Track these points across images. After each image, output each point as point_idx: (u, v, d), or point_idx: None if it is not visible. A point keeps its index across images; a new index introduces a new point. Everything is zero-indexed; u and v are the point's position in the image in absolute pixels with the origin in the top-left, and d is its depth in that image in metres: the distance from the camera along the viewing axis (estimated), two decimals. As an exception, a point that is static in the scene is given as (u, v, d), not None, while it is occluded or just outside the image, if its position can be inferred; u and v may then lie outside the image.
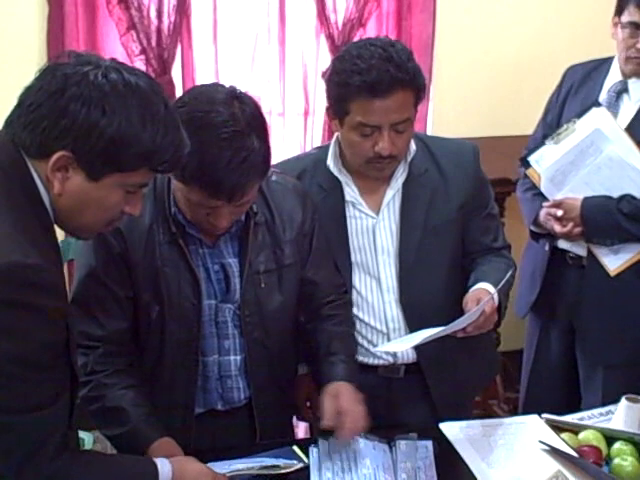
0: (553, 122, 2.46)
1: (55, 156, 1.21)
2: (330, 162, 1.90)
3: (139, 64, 3.03)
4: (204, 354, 1.72)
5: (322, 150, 1.96)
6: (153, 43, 3.03)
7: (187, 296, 1.66)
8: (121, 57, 3.01)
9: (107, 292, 1.65)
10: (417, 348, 1.84)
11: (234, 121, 1.52)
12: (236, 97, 1.56)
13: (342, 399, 1.67)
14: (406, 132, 1.78)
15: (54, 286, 1.22)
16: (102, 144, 1.21)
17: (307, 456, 1.70)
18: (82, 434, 1.56)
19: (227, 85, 1.61)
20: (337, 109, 1.79)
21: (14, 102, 1.26)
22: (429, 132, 3.16)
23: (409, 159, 1.88)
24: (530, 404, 2.55)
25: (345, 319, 1.87)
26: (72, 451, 1.31)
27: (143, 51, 3.04)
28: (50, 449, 1.25)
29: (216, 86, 1.62)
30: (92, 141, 1.20)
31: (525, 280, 2.55)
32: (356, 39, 3.16)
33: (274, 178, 1.77)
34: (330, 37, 3.20)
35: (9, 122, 1.25)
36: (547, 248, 2.44)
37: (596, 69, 2.44)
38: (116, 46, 3.03)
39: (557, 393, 2.51)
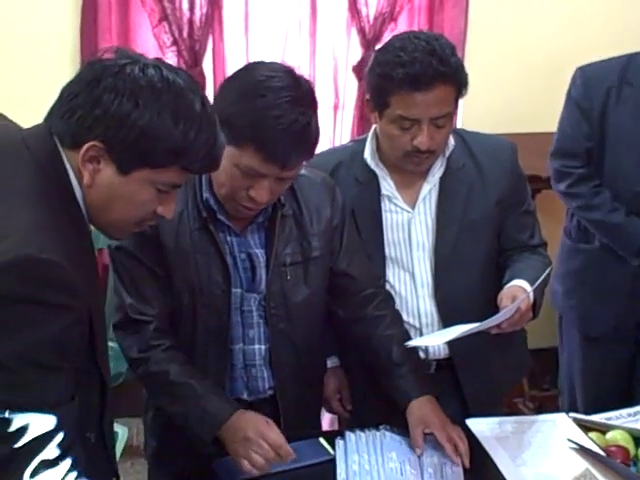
0: (594, 131, 2.35)
1: (86, 146, 1.20)
2: (367, 155, 1.89)
3: (170, 56, 3.05)
4: (231, 342, 1.73)
5: (359, 143, 1.95)
6: (185, 35, 3.04)
7: (217, 283, 1.67)
8: (153, 49, 3.04)
9: (146, 270, 1.67)
10: (450, 344, 1.83)
11: (296, 89, 1.54)
12: (294, 72, 1.59)
13: (433, 428, 1.69)
14: (445, 127, 1.77)
15: (68, 284, 1.17)
16: (132, 136, 1.20)
17: (333, 448, 1.71)
18: (116, 427, 1.55)
19: None
20: (377, 101, 1.78)
21: (47, 94, 1.27)
22: (459, 127, 3.14)
23: (447, 154, 1.87)
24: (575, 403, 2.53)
25: (394, 318, 1.86)
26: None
27: (175, 43, 3.05)
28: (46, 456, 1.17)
29: (274, 62, 1.65)
30: (123, 132, 1.19)
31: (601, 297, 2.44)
32: (387, 33, 3.16)
33: (302, 172, 1.76)
34: (361, 31, 3.19)
35: (49, 114, 1.26)
36: None
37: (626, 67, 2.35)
38: (148, 38, 3.05)
39: (609, 394, 2.44)
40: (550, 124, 3.41)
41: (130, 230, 1.34)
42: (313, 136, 1.57)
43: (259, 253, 1.70)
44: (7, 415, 1.14)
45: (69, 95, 1.23)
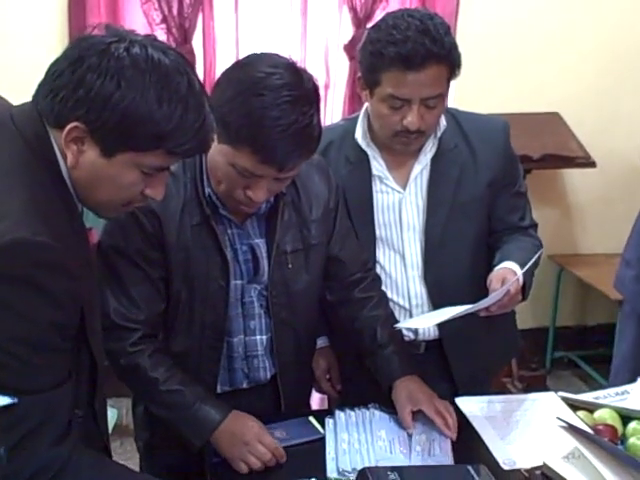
0: None
1: (69, 127, 1.17)
2: (358, 135, 1.87)
3: (160, 33, 3.02)
4: (230, 335, 1.70)
5: (350, 122, 1.92)
6: (174, 12, 3.02)
7: (215, 278, 1.64)
8: (142, 26, 3.01)
9: (141, 273, 1.61)
10: (439, 325, 1.83)
11: (297, 87, 1.48)
12: (297, 67, 1.53)
13: (421, 404, 1.70)
14: (437, 108, 1.75)
15: (62, 266, 1.17)
16: (115, 118, 1.17)
17: (323, 427, 1.71)
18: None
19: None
20: (368, 79, 1.76)
21: (35, 71, 1.25)
22: (452, 107, 3.13)
23: (439, 134, 1.85)
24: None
25: (380, 299, 1.86)
26: (75, 442, 1.25)
27: (164, 20, 3.03)
28: (49, 435, 1.20)
29: (275, 55, 1.57)
30: (105, 114, 1.16)
31: None
32: (379, 12, 3.13)
33: None
34: (353, 9, 3.17)
35: (36, 92, 1.23)
36: None
37: None
38: (137, 15, 3.02)
39: None
40: (542, 104, 3.43)
41: (119, 210, 1.32)
42: (314, 136, 1.51)
43: (260, 243, 1.68)
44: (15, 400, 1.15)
45: (54, 74, 1.20)
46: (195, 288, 1.64)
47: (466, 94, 3.26)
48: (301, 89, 1.49)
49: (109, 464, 1.38)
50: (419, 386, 1.74)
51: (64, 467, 1.21)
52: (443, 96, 1.75)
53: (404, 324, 1.82)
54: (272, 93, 1.45)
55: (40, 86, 1.22)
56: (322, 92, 3.22)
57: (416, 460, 1.61)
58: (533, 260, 1.73)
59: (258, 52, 1.59)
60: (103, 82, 1.16)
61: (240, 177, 1.52)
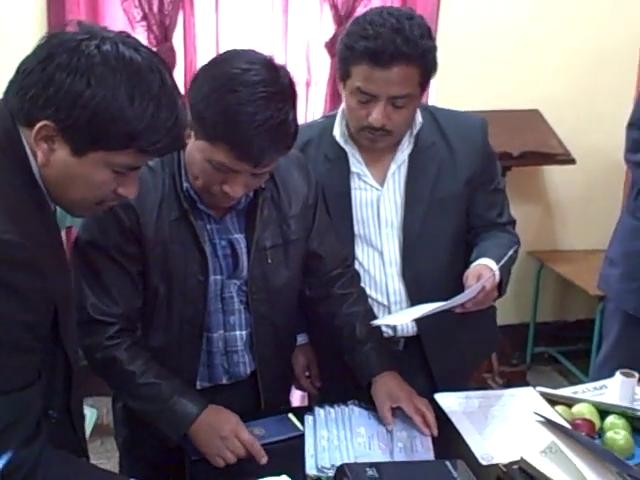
0: None
1: (38, 125, 1.16)
2: (336, 132, 1.88)
3: (140, 30, 3.01)
4: (209, 330, 1.70)
5: (329, 119, 1.93)
6: (155, 9, 3.00)
7: (194, 273, 1.64)
8: (122, 23, 2.99)
9: (119, 268, 1.61)
10: (418, 321, 1.84)
11: (273, 83, 1.48)
12: (274, 64, 1.53)
13: (400, 401, 1.71)
14: (405, 108, 1.74)
15: (32, 264, 1.15)
16: (85, 117, 1.15)
17: (302, 424, 1.72)
18: (85, 409, 1.53)
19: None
20: (341, 71, 1.77)
21: (11, 68, 1.23)
22: (432, 104, 3.14)
23: (415, 132, 1.86)
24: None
25: (359, 295, 1.86)
26: (45, 443, 1.23)
27: (144, 17, 3.01)
28: (18, 436, 1.18)
29: (254, 50, 1.58)
30: (75, 113, 1.14)
31: None
32: (360, 9, 3.13)
33: None
34: (334, 7, 3.17)
35: (7, 89, 1.21)
36: None
37: None
38: (117, 12, 3.00)
39: None
40: (522, 101, 3.44)
41: (92, 209, 1.31)
42: (290, 132, 1.52)
43: (239, 238, 1.68)
44: None
45: (24, 72, 1.18)
46: (173, 283, 1.64)
47: (447, 91, 3.28)
48: (277, 85, 1.49)
49: (80, 464, 1.36)
50: (398, 383, 1.75)
51: (35, 468, 1.20)
52: (413, 97, 1.75)
53: (380, 321, 1.82)
54: (247, 89, 1.46)
55: (10, 84, 1.21)
56: (303, 90, 3.25)
57: (399, 457, 1.62)
58: (508, 255, 1.74)
59: (235, 48, 1.59)
60: (73, 80, 1.15)
61: (217, 172, 1.52)
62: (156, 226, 1.60)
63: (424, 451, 1.64)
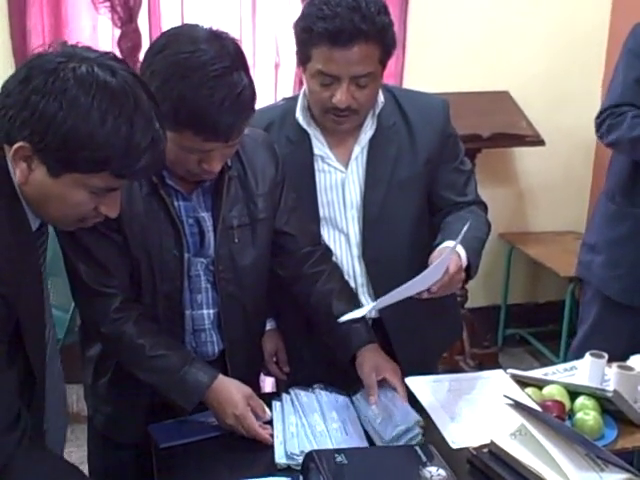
0: None
1: (15, 146, 1.19)
2: (299, 114, 1.85)
3: (104, 12, 2.96)
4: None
5: (290, 101, 1.90)
6: (119, -11, 2.94)
7: (169, 248, 1.64)
8: (86, 4, 2.93)
9: (106, 240, 1.60)
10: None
11: (221, 58, 1.48)
12: (216, 35, 1.53)
13: (385, 372, 1.71)
14: (368, 87, 1.73)
15: None
16: (57, 141, 1.17)
17: (271, 410, 1.69)
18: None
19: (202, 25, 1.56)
20: (301, 55, 1.75)
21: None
22: (403, 86, 3.12)
23: (377, 111, 1.84)
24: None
25: (332, 272, 1.85)
26: (24, 436, 1.24)
27: (108, -2, 2.94)
28: None
29: (192, 26, 1.57)
30: (48, 137, 1.17)
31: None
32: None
33: (245, 131, 1.71)
34: (302, -13, 3.13)
35: None
36: None
37: None
38: (80, -8, 2.94)
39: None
40: (493, 83, 3.44)
41: (75, 225, 1.33)
42: (250, 98, 1.52)
43: (206, 216, 1.67)
44: None
45: (4, 92, 1.20)
46: (153, 258, 1.64)
47: (416, 74, 3.27)
48: (225, 58, 1.49)
49: (57, 462, 1.36)
50: (383, 356, 1.76)
51: (12, 455, 1.20)
52: (375, 75, 1.73)
53: (347, 317, 1.73)
54: (198, 73, 1.46)
55: None
56: (272, 72, 3.20)
57: (381, 428, 1.61)
58: (464, 231, 1.64)
59: (173, 28, 1.59)
60: (46, 103, 1.16)
61: (191, 155, 1.53)
62: (129, 201, 1.59)
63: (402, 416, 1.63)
